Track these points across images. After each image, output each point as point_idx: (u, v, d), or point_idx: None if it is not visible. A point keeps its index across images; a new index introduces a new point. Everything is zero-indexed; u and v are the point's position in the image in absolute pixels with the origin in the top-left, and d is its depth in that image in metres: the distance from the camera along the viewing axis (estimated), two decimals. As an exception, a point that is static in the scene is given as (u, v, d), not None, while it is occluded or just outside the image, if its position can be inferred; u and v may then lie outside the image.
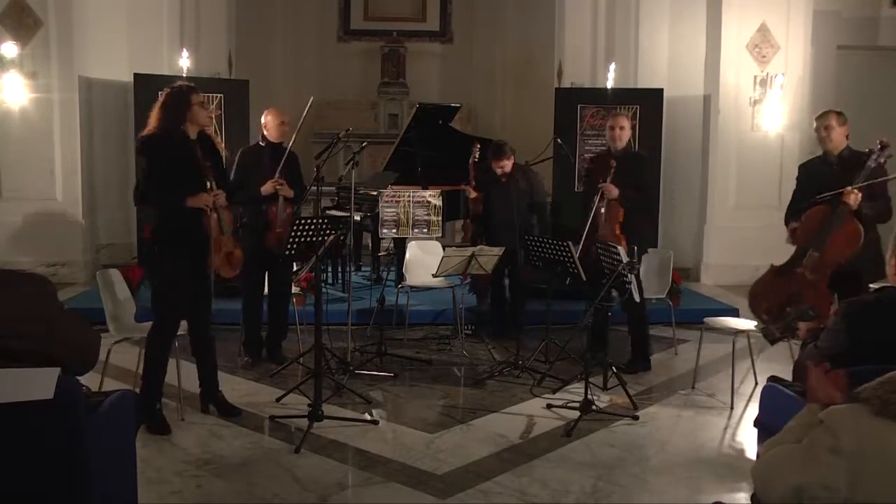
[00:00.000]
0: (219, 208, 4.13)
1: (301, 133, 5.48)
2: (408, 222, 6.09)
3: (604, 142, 8.31)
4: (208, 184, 4.09)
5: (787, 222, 4.86)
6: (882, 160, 4.52)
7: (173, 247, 4.11)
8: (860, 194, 4.43)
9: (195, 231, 4.08)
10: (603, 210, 5.23)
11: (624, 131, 5.40)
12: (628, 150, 5.51)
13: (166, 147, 4.04)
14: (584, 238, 5.14)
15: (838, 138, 4.69)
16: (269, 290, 5.48)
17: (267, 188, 5.18)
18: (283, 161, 5.19)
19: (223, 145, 4.53)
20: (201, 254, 4.14)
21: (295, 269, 5.29)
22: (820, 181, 4.63)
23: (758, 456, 2.03)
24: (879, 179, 4.49)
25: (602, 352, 5.12)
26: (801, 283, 4.49)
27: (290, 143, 5.34)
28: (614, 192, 5.21)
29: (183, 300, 4.16)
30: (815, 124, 4.80)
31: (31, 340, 2.35)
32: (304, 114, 5.34)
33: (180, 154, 4.06)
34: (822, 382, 2.16)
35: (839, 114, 4.75)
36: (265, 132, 5.40)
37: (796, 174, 5.08)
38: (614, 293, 4.87)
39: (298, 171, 5.48)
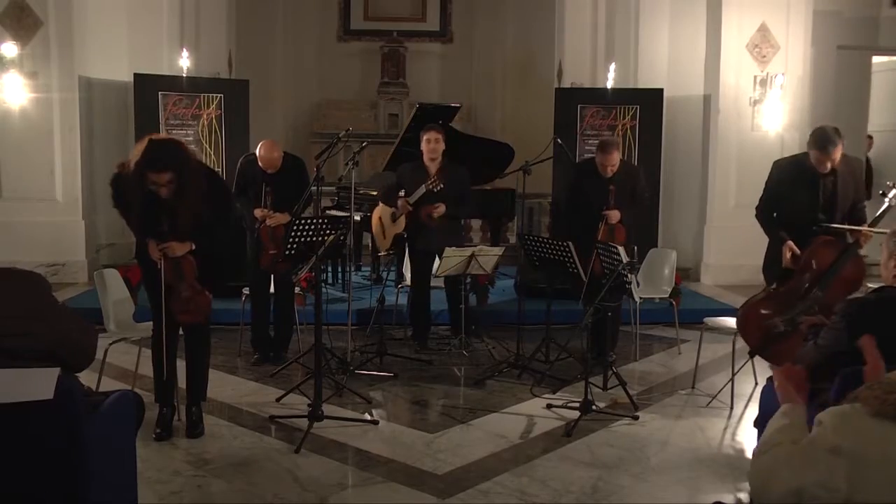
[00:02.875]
0: (171, 258, 3.90)
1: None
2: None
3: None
4: (165, 227, 3.87)
5: (761, 221, 4.70)
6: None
7: (142, 260, 4.09)
8: (872, 235, 4.20)
9: (153, 274, 3.96)
10: (607, 234, 5.24)
11: (616, 166, 5.33)
12: (621, 166, 5.44)
13: (130, 187, 3.87)
14: (593, 259, 4.96)
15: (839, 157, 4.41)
16: (274, 291, 5.51)
17: (258, 215, 5.30)
18: (270, 187, 5.26)
19: (209, 172, 4.19)
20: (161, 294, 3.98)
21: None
22: (801, 189, 4.46)
23: (753, 458, 2.03)
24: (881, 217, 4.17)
25: (603, 352, 5.12)
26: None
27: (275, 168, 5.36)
28: (617, 216, 5.27)
29: (157, 299, 4.04)
30: (829, 149, 4.34)
31: (29, 339, 2.35)
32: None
33: (142, 196, 3.85)
34: (782, 382, 2.17)
35: (838, 131, 4.44)
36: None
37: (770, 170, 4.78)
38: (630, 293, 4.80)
39: (299, 179, 5.37)
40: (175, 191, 3.84)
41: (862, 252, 4.29)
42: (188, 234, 3.93)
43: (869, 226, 4.25)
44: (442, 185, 5.47)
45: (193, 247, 3.96)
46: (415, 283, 5.94)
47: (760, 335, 4.22)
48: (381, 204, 6.08)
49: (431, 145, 5.68)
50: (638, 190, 5.46)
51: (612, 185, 5.27)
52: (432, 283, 5.96)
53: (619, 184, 5.34)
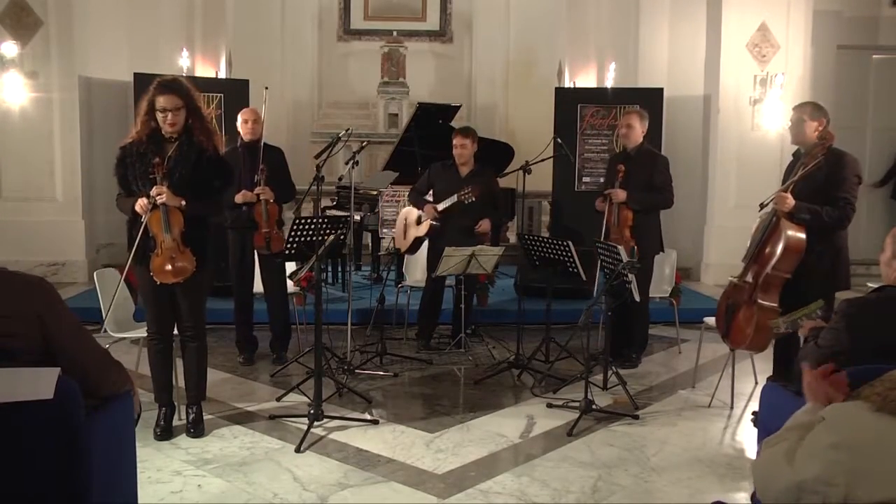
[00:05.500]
0: (161, 207, 3.83)
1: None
2: (408, 222, 6.07)
3: (604, 141, 8.37)
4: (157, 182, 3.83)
5: None
6: (818, 156, 4.19)
7: (132, 253, 3.96)
8: (789, 197, 4.18)
9: (143, 237, 3.87)
10: (613, 214, 5.23)
11: (631, 129, 5.36)
12: (642, 150, 5.42)
13: (131, 153, 3.92)
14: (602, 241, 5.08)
15: (810, 133, 4.36)
16: (264, 290, 5.50)
17: (244, 198, 5.19)
18: (259, 161, 5.21)
19: (218, 139, 4.12)
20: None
21: (294, 268, 5.29)
22: (787, 178, 4.46)
23: (758, 454, 2.03)
24: (800, 174, 4.17)
25: (618, 352, 5.15)
26: (744, 294, 4.33)
27: (260, 139, 5.34)
28: (621, 196, 5.21)
29: (150, 307, 4.06)
30: (791, 115, 4.50)
31: (18, 340, 2.31)
32: (265, 105, 5.35)
33: (140, 158, 3.89)
34: (819, 384, 2.16)
35: (816, 107, 4.45)
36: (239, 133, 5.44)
37: None
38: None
39: (284, 167, 5.44)
40: (181, 132, 3.89)
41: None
42: (183, 192, 3.87)
43: (783, 189, 4.25)
44: (474, 199, 5.41)
45: (184, 203, 3.88)
46: (430, 281, 5.85)
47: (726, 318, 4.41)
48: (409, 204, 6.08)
49: (458, 150, 5.66)
50: (654, 177, 5.34)
51: (623, 165, 5.26)
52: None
53: (634, 164, 5.28)
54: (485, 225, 5.63)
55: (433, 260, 5.66)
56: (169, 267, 3.90)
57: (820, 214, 4.21)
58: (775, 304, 4.24)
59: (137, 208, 3.85)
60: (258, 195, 5.19)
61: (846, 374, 2.20)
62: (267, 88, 5.43)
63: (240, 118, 5.41)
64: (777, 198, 4.25)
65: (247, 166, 5.26)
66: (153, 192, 3.80)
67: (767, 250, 4.28)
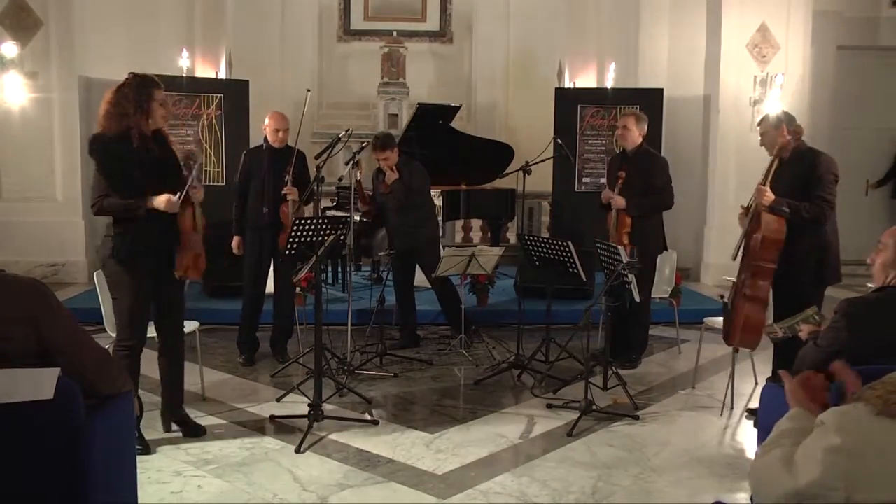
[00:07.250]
0: (196, 204, 3.85)
1: (301, 133, 5.47)
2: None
3: (604, 142, 8.37)
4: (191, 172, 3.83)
5: None
6: (793, 147, 4.29)
7: (135, 257, 3.76)
8: (768, 190, 4.26)
9: (162, 236, 3.79)
10: (612, 219, 5.25)
11: (627, 131, 5.33)
12: (640, 151, 5.38)
13: (124, 147, 3.64)
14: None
15: (781, 140, 4.40)
16: (275, 290, 5.51)
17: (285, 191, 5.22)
18: (292, 165, 5.25)
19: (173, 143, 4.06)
20: (168, 259, 3.84)
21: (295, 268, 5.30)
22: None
23: (754, 460, 2.02)
24: (776, 164, 4.27)
25: (618, 353, 5.16)
26: (737, 290, 4.40)
27: (296, 143, 5.37)
28: (620, 203, 5.21)
29: (136, 314, 3.83)
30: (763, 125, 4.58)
31: (16, 343, 2.29)
32: (304, 108, 5.35)
33: (146, 155, 3.70)
34: (796, 391, 2.18)
35: (787, 116, 4.52)
36: (265, 134, 5.43)
37: None
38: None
39: (306, 169, 5.47)
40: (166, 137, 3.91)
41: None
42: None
43: (762, 182, 4.32)
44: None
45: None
46: (395, 287, 5.98)
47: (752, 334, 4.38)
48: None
49: (382, 164, 5.71)
50: (656, 180, 5.31)
51: (623, 171, 5.24)
52: (429, 283, 5.94)
53: (632, 167, 5.26)
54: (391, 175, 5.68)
55: (396, 264, 5.88)
56: (195, 263, 3.90)
57: (799, 210, 4.28)
58: (763, 296, 4.30)
59: (167, 206, 3.69)
60: (286, 195, 5.22)
61: (825, 380, 2.21)
62: (309, 90, 5.48)
63: (272, 125, 5.36)
64: (756, 191, 4.32)
65: (272, 170, 5.28)
66: (191, 190, 3.79)
67: (752, 243, 4.34)
